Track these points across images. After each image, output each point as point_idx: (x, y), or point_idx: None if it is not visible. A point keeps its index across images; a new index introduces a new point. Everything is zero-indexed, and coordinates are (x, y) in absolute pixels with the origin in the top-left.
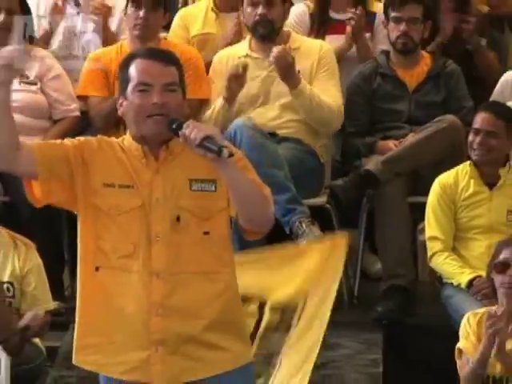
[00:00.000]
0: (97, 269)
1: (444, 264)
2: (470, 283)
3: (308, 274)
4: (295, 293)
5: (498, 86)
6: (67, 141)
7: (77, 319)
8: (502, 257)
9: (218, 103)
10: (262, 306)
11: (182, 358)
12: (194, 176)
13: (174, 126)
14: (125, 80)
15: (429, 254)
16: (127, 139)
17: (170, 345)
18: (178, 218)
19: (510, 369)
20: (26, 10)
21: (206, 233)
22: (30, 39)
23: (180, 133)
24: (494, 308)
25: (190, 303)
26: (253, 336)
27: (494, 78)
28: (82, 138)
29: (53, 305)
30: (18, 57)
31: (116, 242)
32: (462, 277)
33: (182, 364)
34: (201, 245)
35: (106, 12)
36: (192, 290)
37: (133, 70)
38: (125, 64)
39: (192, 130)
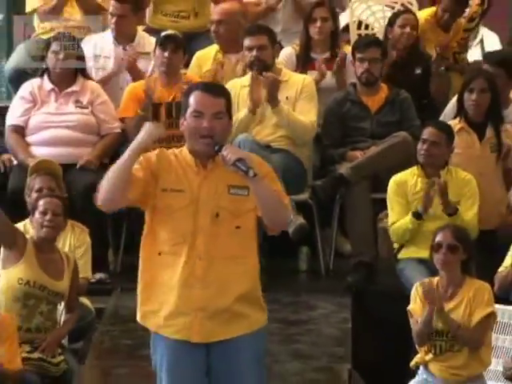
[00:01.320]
0: (159, 253)
1: (397, 225)
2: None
3: None
4: None
5: (445, 109)
6: (138, 166)
7: (139, 291)
8: (437, 239)
9: (241, 114)
10: None
11: (215, 322)
12: (232, 183)
13: (216, 148)
14: (185, 106)
15: (389, 229)
16: (184, 151)
17: (207, 312)
18: (217, 215)
19: (447, 324)
20: None
21: (238, 227)
22: (83, 72)
23: (219, 154)
24: (436, 279)
25: (223, 280)
26: None
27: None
28: (146, 157)
29: (95, 275)
30: (159, 134)
31: (170, 233)
32: (407, 217)
33: (215, 327)
34: (233, 236)
35: (134, 59)
36: (225, 270)
37: (191, 99)
38: (186, 93)
39: (228, 153)
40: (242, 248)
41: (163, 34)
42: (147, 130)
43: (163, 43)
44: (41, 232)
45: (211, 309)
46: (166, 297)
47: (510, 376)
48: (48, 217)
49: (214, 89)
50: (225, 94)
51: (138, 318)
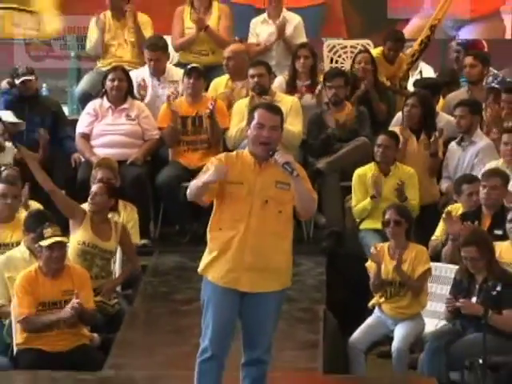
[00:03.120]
0: (220, 229)
1: (359, 206)
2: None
3: None
4: None
5: (392, 122)
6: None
7: (206, 252)
8: (386, 217)
9: (243, 124)
10: None
11: (256, 279)
12: (278, 179)
13: (270, 153)
14: (251, 118)
15: (353, 208)
16: (245, 152)
17: (252, 271)
18: (266, 202)
19: (399, 275)
20: None
21: (280, 211)
22: (132, 94)
23: (272, 157)
24: (387, 244)
25: (268, 249)
26: None
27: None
28: (218, 159)
29: (141, 241)
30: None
31: (232, 214)
32: (366, 200)
33: (258, 281)
34: (276, 218)
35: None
36: (270, 242)
37: (256, 114)
38: (252, 110)
39: (280, 157)
40: (282, 227)
41: (189, 66)
42: (217, 169)
43: (189, 73)
44: (89, 207)
45: (255, 269)
46: (224, 258)
47: (451, 311)
48: (92, 196)
49: (273, 108)
50: (280, 113)
51: (200, 270)
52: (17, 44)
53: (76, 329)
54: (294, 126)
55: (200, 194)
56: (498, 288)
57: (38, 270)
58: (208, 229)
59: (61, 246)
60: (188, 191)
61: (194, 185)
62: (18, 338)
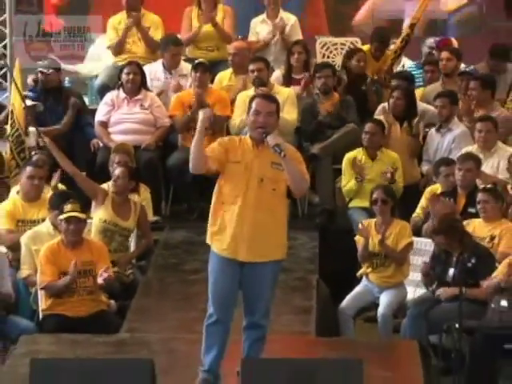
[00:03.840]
0: (222, 203)
1: (347, 186)
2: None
3: None
4: None
5: (377, 111)
6: (215, 144)
7: (209, 225)
8: (374, 196)
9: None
10: None
11: (256, 250)
12: (274, 160)
13: (264, 136)
14: (250, 107)
15: (342, 188)
16: (246, 137)
17: (250, 242)
18: (262, 180)
19: (384, 249)
20: None
21: (274, 189)
22: (145, 86)
23: (265, 140)
24: (374, 220)
25: (264, 223)
26: None
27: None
28: (221, 139)
29: (153, 218)
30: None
31: (231, 190)
32: (351, 182)
33: (256, 252)
34: (271, 195)
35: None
36: (266, 216)
37: (254, 103)
38: (251, 100)
39: (270, 139)
40: (277, 203)
41: (196, 61)
42: (201, 117)
43: (196, 67)
44: (112, 188)
45: (253, 241)
46: (225, 230)
47: (425, 274)
48: (115, 179)
49: (269, 97)
50: (275, 101)
51: (207, 241)
52: (16, 42)
53: (95, 295)
54: (290, 114)
55: (198, 154)
56: (473, 261)
57: (60, 242)
58: (212, 203)
59: (77, 221)
60: (190, 161)
61: (191, 149)
62: (42, 304)
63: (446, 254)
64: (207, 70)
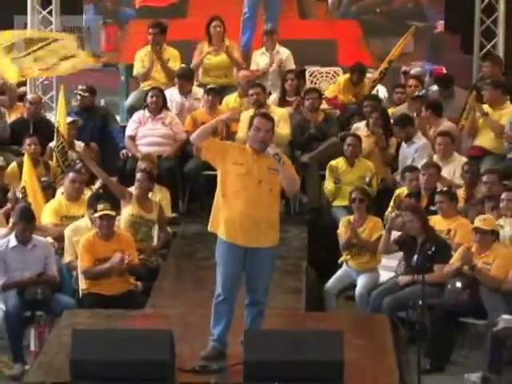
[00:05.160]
0: (223, 195)
1: (328, 188)
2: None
3: None
4: None
5: (353, 127)
6: (222, 141)
7: (212, 215)
8: (352, 196)
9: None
10: None
11: (255, 237)
12: (270, 166)
13: (265, 147)
14: (251, 123)
15: (324, 189)
16: (246, 147)
17: (251, 231)
18: (260, 182)
19: (360, 240)
20: None
21: (270, 189)
22: (166, 106)
23: (266, 150)
24: (352, 216)
25: (262, 216)
26: None
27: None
28: (229, 142)
29: (171, 214)
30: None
31: (233, 185)
32: (331, 185)
33: (254, 239)
34: (267, 194)
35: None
36: (263, 211)
37: (255, 120)
38: (252, 117)
39: (271, 150)
40: (272, 201)
41: (208, 87)
42: (224, 118)
43: (208, 92)
44: (136, 190)
45: (253, 230)
46: (227, 220)
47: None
48: (138, 182)
49: (267, 116)
50: (272, 120)
51: (210, 228)
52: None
53: (124, 277)
54: (284, 129)
55: (204, 132)
56: (433, 248)
57: (96, 234)
58: (216, 195)
59: (109, 217)
60: (195, 134)
61: (200, 129)
62: (82, 285)
63: (412, 241)
64: (217, 94)
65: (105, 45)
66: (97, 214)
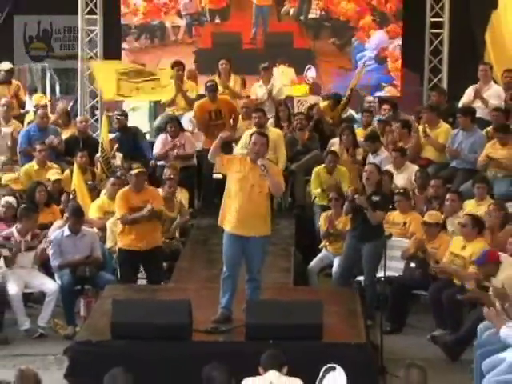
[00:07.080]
0: (229, 197)
1: (316, 191)
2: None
3: None
4: None
5: (329, 144)
6: (232, 156)
7: (221, 211)
8: (330, 196)
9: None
10: None
11: (251, 228)
12: (262, 173)
13: (258, 157)
14: (250, 139)
15: (312, 191)
16: (246, 157)
17: (248, 223)
18: (253, 185)
19: (338, 232)
20: None
21: (261, 191)
22: (182, 129)
23: (257, 161)
24: (331, 212)
25: (255, 212)
26: None
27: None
28: (232, 156)
29: (189, 210)
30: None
31: (233, 188)
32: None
33: (251, 230)
34: (258, 195)
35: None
36: (256, 208)
37: (253, 136)
38: (251, 134)
39: (259, 161)
40: (262, 201)
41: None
42: (220, 136)
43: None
44: (163, 191)
45: (249, 223)
46: (231, 215)
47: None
48: (165, 185)
49: (262, 134)
50: (266, 136)
51: (219, 223)
52: None
53: (153, 226)
54: (280, 149)
55: (215, 151)
56: (377, 198)
57: (129, 189)
58: (223, 196)
59: (142, 174)
60: (210, 153)
61: (212, 147)
62: (118, 243)
63: (357, 206)
64: (215, 92)
65: None
66: (132, 172)
